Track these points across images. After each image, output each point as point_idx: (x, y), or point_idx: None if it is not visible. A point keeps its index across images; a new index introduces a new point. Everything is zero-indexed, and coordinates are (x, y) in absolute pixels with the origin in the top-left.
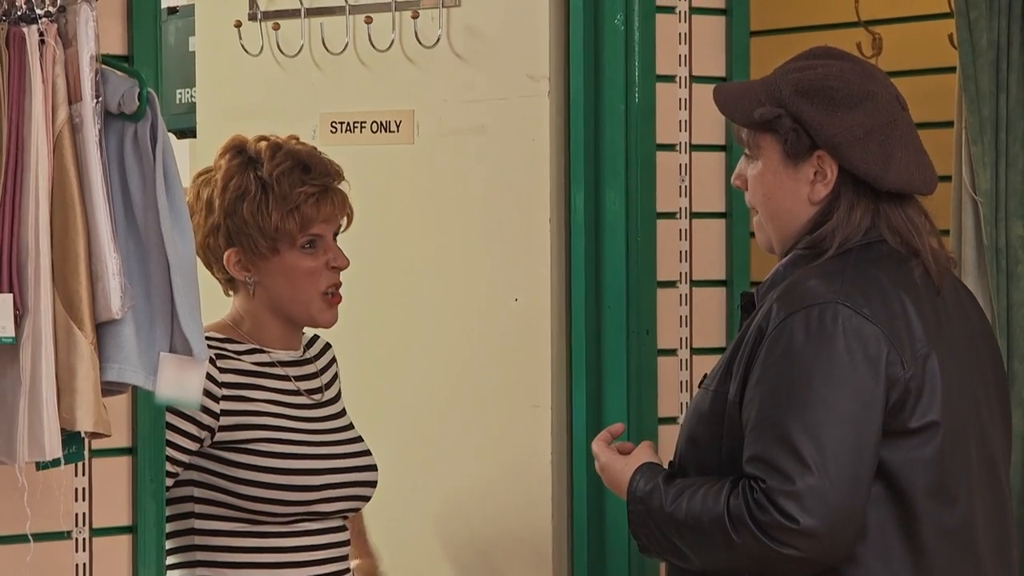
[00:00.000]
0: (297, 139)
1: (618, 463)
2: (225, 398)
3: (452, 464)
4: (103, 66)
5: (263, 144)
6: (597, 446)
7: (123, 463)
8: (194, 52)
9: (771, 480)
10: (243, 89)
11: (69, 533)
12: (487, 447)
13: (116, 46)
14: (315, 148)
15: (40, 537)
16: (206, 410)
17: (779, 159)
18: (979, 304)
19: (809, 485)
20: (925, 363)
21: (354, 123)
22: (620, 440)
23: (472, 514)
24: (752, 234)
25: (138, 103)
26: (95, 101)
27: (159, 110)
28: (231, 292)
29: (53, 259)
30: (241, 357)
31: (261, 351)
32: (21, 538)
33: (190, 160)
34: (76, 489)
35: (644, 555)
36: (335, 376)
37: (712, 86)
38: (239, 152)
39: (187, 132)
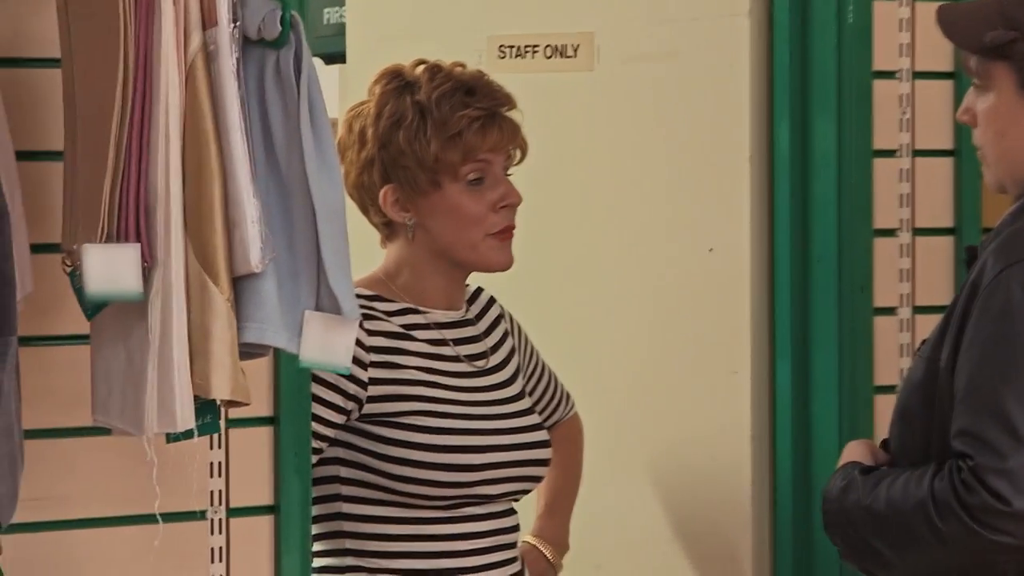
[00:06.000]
0: (463, 65)
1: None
2: (374, 364)
3: (642, 434)
4: None
5: (421, 67)
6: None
7: (264, 434)
8: None
9: (980, 457)
10: (400, 8)
11: (203, 513)
12: (679, 417)
13: None
14: (482, 72)
15: (170, 518)
16: (353, 378)
17: (1014, 90)
18: None
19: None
20: None
21: (525, 47)
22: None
23: (665, 490)
24: None
25: (280, 28)
26: (232, 26)
27: (304, 36)
28: (388, 242)
29: (185, 204)
30: (391, 318)
31: (415, 311)
32: (148, 519)
33: (339, 89)
34: (211, 464)
35: (845, 562)
36: (504, 335)
37: (937, 3)
38: (395, 77)
39: (336, 57)
